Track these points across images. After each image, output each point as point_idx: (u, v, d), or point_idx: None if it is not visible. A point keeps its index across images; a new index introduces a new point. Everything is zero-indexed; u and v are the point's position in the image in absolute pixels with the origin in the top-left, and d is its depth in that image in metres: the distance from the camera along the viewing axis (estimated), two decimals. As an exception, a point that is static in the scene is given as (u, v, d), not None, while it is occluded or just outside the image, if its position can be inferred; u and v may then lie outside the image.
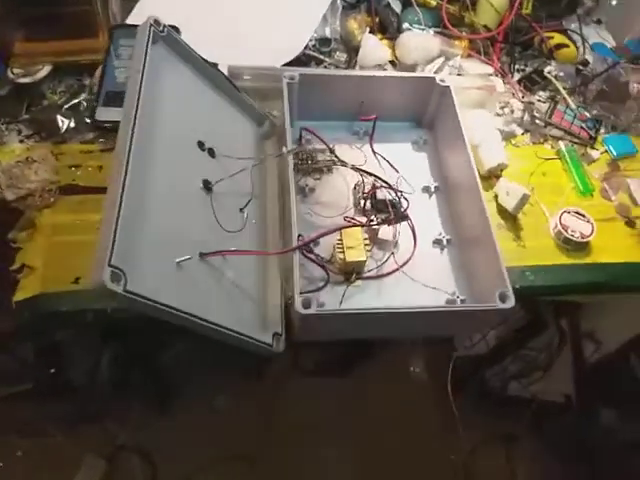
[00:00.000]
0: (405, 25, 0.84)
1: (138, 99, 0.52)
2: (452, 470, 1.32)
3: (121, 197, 0.46)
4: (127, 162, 0.48)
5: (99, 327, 0.85)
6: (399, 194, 0.68)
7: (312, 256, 0.63)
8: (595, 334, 1.40)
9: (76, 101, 0.75)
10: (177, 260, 0.51)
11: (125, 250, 0.44)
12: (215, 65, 0.66)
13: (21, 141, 0.72)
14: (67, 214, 0.67)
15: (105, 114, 0.60)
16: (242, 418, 1.33)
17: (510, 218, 0.72)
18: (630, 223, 0.75)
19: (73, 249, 0.64)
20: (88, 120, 0.72)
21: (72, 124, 0.73)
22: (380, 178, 0.67)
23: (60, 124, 0.72)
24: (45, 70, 0.75)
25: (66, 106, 0.74)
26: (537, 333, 1.09)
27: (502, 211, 0.72)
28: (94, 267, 0.43)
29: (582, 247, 0.71)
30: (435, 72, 0.81)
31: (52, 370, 1.07)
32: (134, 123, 0.50)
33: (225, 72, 0.69)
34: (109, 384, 0.99)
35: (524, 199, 0.68)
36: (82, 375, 1.06)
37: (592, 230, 0.70)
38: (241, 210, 0.64)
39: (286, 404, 1.35)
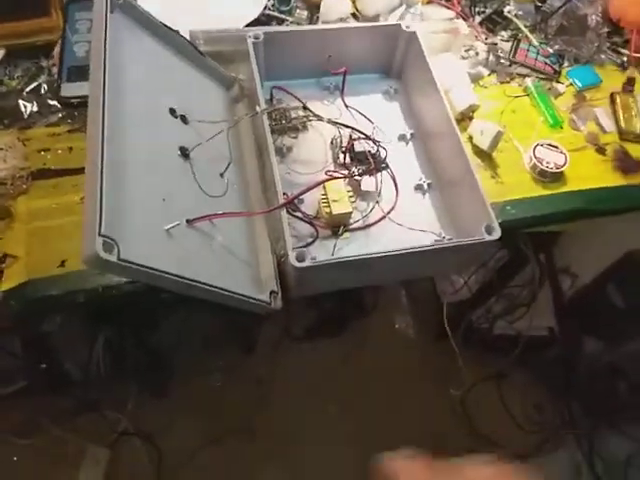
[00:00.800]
0: (363, -25, 0.83)
1: (104, 69, 0.51)
2: (450, 409, 1.36)
3: (101, 169, 0.45)
4: (102, 134, 0.47)
5: (90, 311, 0.84)
6: (377, 144, 0.68)
7: (298, 214, 0.63)
8: (570, 268, 1.46)
9: (36, 84, 0.72)
10: (166, 227, 0.51)
11: (113, 220, 0.44)
12: (176, 31, 0.64)
13: (-17, 131, 0.69)
14: (42, 199, 0.65)
15: (70, 90, 0.58)
16: (239, 392, 1.34)
17: (486, 157, 0.73)
18: (600, 150, 0.77)
19: (54, 233, 0.63)
20: (52, 102, 0.70)
21: (35, 108, 0.71)
22: (357, 130, 0.68)
23: (23, 109, 0.70)
24: (-1, 55, 0.73)
25: (26, 90, 0.71)
26: (517, 270, 1.12)
27: (478, 151, 0.73)
28: (84, 239, 0.42)
29: (558, 177, 0.72)
30: (398, 20, 0.80)
31: (43, 365, 1.06)
32: (104, 94, 0.49)
33: (187, 38, 0.67)
34: (105, 371, 0.99)
35: (498, 136, 0.70)
36: (76, 365, 1.05)
37: (565, 160, 0.72)
38: (221, 175, 0.63)
39: (281, 372, 1.37)
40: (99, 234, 0.42)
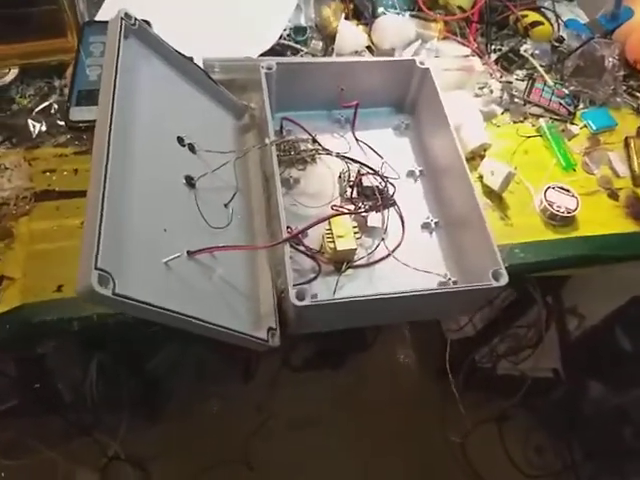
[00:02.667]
0: (380, 10, 0.83)
1: (113, 95, 0.50)
2: (450, 452, 1.33)
3: (102, 198, 0.44)
4: (106, 161, 0.46)
5: (85, 336, 0.83)
6: (385, 180, 0.67)
7: (302, 248, 0.62)
8: (577, 308, 1.43)
9: (46, 104, 0.72)
10: (165, 260, 0.50)
11: (111, 252, 0.43)
12: (190, 58, 0.64)
13: (-8, 149, 0.69)
14: (44, 221, 0.64)
15: (79, 114, 0.58)
16: (236, 420, 1.32)
17: (496, 197, 0.72)
18: (613, 195, 0.75)
19: (53, 257, 0.62)
20: (61, 122, 0.70)
21: (44, 128, 0.70)
22: (365, 165, 0.67)
23: (31, 128, 0.70)
24: (12, 74, 0.73)
25: (36, 109, 0.71)
26: (524, 311, 1.10)
27: (487, 191, 0.72)
28: (80, 271, 0.41)
29: (568, 222, 0.71)
30: (412, 55, 0.80)
31: (37, 385, 1.04)
32: (111, 120, 0.49)
33: (200, 65, 0.67)
34: (97, 395, 0.97)
35: (509, 177, 0.68)
36: (69, 387, 1.03)
37: (577, 204, 0.70)
38: (226, 205, 0.62)
39: (279, 403, 1.34)
40: (95, 267, 0.41)
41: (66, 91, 0.72)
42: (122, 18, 0.55)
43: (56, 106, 0.72)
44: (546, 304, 1.07)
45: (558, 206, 0.70)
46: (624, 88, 0.87)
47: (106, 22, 0.56)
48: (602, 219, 0.73)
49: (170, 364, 1.20)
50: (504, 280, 0.55)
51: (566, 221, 0.71)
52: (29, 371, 0.98)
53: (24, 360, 0.94)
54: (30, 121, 0.70)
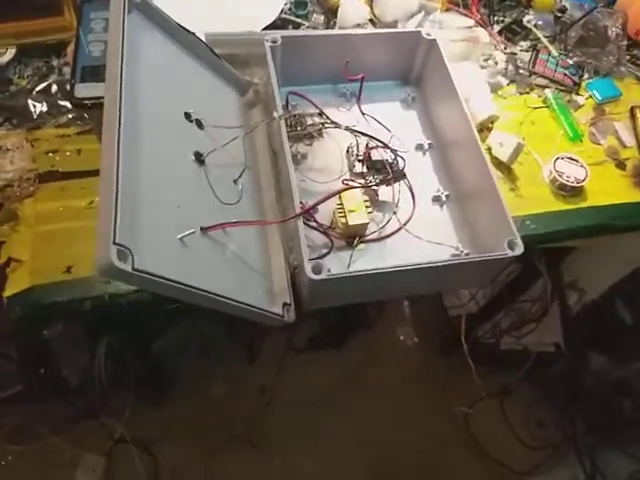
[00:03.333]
0: (382, -19, 0.81)
1: (121, 72, 0.49)
2: (454, 426, 1.34)
3: (117, 174, 0.43)
4: (118, 138, 0.45)
5: (95, 318, 0.82)
6: (395, 153, 0.66)
7: (313, 223, 0.62)
8: (577, 283, 1.44)
9: (46, 84, 0.70)
10: (180, 236, 0.49)
11: (128, 228, 0.42)
12: (193, 33, 0.62)
13: (-9, 130, 0.68)
14: (49, 202, 0.63)
15: (85, 90, 0.56)
16: (240, 401, 1.32)
17: (505, 169, 0.72)
18: (621, 165, 0.75)
19: (60, 237, 0.61)
20: (62, 102, 0.68)
21: (44, 108, 0.69)
22: (375, 138, 0.66)
23: (32, 109, 0.68)
24: (9, 54, 0.71)
25: (36, 89, 0.70)
26: (529, 285, 1.11)
27: (496, 163, 0.72)
28: (98, 247, 0.40)
29: (577, 192, 0.71)
30: (416, 28, 0.79)
31: (42, 370, 1.04)
32: (120, 96, 0.47)
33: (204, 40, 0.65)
34: (107, 377, 0.96)
35: (518, 148, 0.68)
36: (75, 372, 1.02)
37: (586, 174, 0.70)
38: (235, 181, 0.61)
39: (283, 383, 1.34)
40: (114, 242, 0.40)
41: (65, 70, 0.70)
42: (125, -9, 0.54)
43: (56, 86, 0.70)
44: (551, 277, 1.07)
45: (567, 176, 0.70)
46: (628, 58, 0.86)
47: (106, -3, 0.55)
48: (610, 189, 0.73)
49: (175, 346, 1.20)
50: (519, 249, 0.55)
51: (575, 191, 0.71)
52: (33, 356, 0.97)
53: (28, 345, 0.93)
54: (30, 101, 0.69)
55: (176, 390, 1.30)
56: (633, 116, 0.80)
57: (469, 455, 1.34)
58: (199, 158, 0.57)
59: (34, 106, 0.68)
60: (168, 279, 0.43)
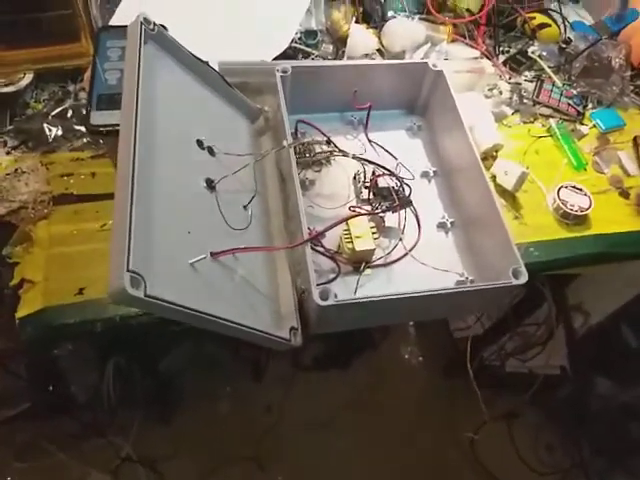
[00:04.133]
0: (390, 13, 0.84)
1: (137, 99, 0.51)
2: (460, 450, 1.33)
3: (131, 200, 0.45)
4: (133, 164, 0.47)
5: (104, 339, 0.83)
6: (401, 180, 0.68)
7: (320, 248, 0.63)
8: (582, 306, 1.44)
9: (62, 108, 0.73)
10: (190, 261, 0.50)
11: (141, 254, 0.43)
12: (207, 62, 0.64)
13: (8, 153, 0.70)
14: (63, 224, 0.65)
15: (100, 118, 0.58)
16: (246, 420, 1.32)
17: (509, 197, 0.73)
18: (624, 193, 0.76)
19: (73, 260, 0.62)
20: (77, 127, 0.70)
21: (60, 132, 0.71)
22: (381, 166, 0.67)
23: (47, 133, 0.70)
24: (27, 78, 0.73)
25: (52, 114, 0.72)
26: (533, 309, 1.11)
27: (501, 191, 0.73)
28: (111, 274, 0.42)
29: (581, 220, 0.72)
30: (423, 58, 0.81)
31: (50, 388, 1.04)
32: (136, 125, 0.49)
33: (216, 69, 0.67)
34: (116, 395, 0.97)
35: (523, 177, 0.69)
36: (83, 389, 1.03)
37: (590, 203, 0.71)
38: (244, 207, 0.63)
39: (289, 402, 1.35)
40: (127, 270, 0.41)
41: (81, 95, 0.73)
42: (141, 22, 0.56)
43: (71, 111, 0.73)
44: (555, 301, 1.07)
45: (571, 205, 0.71)
46: (631, 88, 0.88)
47: (122, 27, 0.57)
48: (614, 217, 0.74)
49: (182, 364, 1.21)
50: (524, 278, 0.56)
51: (579, 219, 0.72)
52: (42, 374, 0.98)
53: (37, 363, 0.94)
54: (46, 125, 0.71)
55: (183, 408, 1.31)
56: (636, 145, 0.82)
57: (477, 479, 1.33)
58: (210, 185, 0.58)
59: (49, 130, 0.70)
60: (179, 305, 0.44)
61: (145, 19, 0.57)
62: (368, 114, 0.73)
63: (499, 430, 1.35)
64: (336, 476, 1.29)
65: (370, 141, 0.74)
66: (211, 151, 0.61)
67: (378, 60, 0.80)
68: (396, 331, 1.52)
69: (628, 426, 1.38)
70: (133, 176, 0.46)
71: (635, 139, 0.82)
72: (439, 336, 1.47)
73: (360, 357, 1.44)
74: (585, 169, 0.78)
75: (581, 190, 0.72)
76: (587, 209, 0.71)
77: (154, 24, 0.58)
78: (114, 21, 0.75)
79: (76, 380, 1.00)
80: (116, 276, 0.41)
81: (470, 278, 0.64)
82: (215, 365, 1.29)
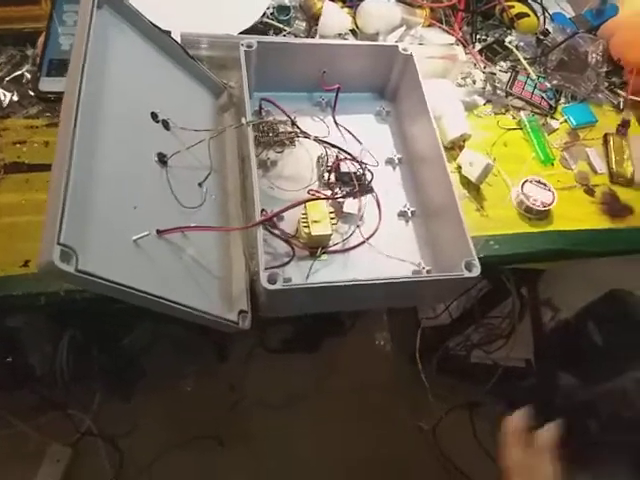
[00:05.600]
0: (366, -8, 0.81)
1: (83, 67, 0.48)
2: (422, 437, 1.34)
3: (68, 171, 0.43)
4: (73, 133, 0.45)
5: (54, 311, 0.81)
6: (363, 166, 0.66)
7: (276, 231, 0.62)
8: (552, 300, 1.45)
9: (18, 73, 0.69)
10: (134, 238, 0.49)
11: (75, 228, 0.42)
12: (168, 32, 0.62)
13: (-41, 118, 0.67)
14: (13, 193, 0.62)
15: (49, 85, 0.56)
16: (208, 400, 1.32)
17: (473, 188, 0.72)
18: (590, 191, 0.76)
19: (20, 230, 0.60)
20: (32, 93, 0.67)
21: (15, 98, 0.68)
22: (344, 150, 0.66)
23: (2, 98, 0.67)
24: (-18, 41, 0.70)
25: (7, 78, 0.69)
26: (499, 302, 1.11)
27: (465, 182, 0.72)
28: (42, 246, 0.40)
29: (544, 215, 0.71)
30: (397, 41, 0.79)
31: (8, 359, 1.03)
32: (79, 92, 0.47)
33: (178, 40, 0.65)
34: (68, 371, 0.96)
35: (487, 169, 0.68)
36: (42, 362, 1.02)
37: (553, 198, 0.71)
38: (200, 185, 0.61)
39: (253, 382, 1.34)
40: (57, 242, 0.40)
41: (39, 61, 0.69)
42: (96, -14, 0.53)
43: (28, 76, 0.70)
44: (520, 296, 1.08)
45: (534, 200, 0.70)
46: (606, 85, 0.87)
47: (80, -10, 0.54)
48: (577, 214, 0.73)
49: (145, 342, 1.19)
50: (476, 271, 0.56)
51: (542, 215, 0.71)
52: (0, 345, 0.96)
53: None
54: (0, 90, 0.68)
55: (145, 386, 1.29)
56: (606, 143, 0.81)
57: (435, 466, 1.35)
58: (162, 159, 0.57)
59: (4, 95, 0.68)
60: (114, 282, 0.43)
61: (101, -17, 0.54)
62: (336, 96, 0.72)
63: (461, 418, 1.36)
64: (296, 457, 1.29)
65: (337, 124, 0.72)
66: (166, 125, 0.59)
67: (348, 41, 0.78)
68: (367, 317, 1.52)
69: (587, 422, 1.40)
70: (72, 144, 0.44)
71: (605, 136, 0.81)
72: (409, 324, 1.47)
73: (328, 342, 1.44)
74: (552, 164, 0.77)
75: (545, 185, 0.72)
76: (550, 205, 0.70)
77: (110, -12, 0.55)
78: (75, -16, 0.72)
79: (33, 352, 0.99)
80: (46, 249, 0.40)
81: (427, 268, 0.64)
82: (180, 344, 1.28)
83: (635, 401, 1.42)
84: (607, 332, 1.32)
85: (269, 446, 1.30)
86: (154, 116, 0.58)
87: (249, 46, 0.65)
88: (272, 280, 0.52)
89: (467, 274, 0.56)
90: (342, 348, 1.46)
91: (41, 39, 0.63)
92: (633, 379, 1.41)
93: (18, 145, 0.66)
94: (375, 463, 1.32)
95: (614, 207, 0.75)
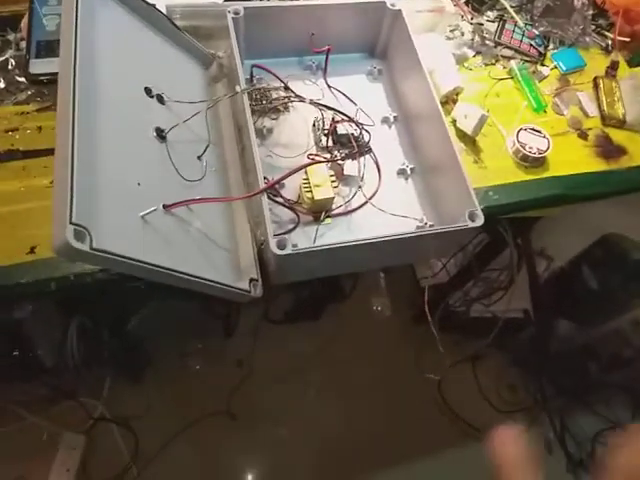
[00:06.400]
0: (347, -51, 0.80)
1: (75, 46, 0.48)
2: (427, 391, 1.38)
3: (72, 151, 0.43)
4: (73, 114, 0.44)
5: (63, 297, 0.81)
6: (360, 127, 0.66)
7: (279, 199, 0.62)
8: (546, 250, 1.48)
9: (2, 59, 0.68)
10: (141, 214, 0.49)
11: (85, 207, 0.42)
12: (152, 5, 0.61)
13: (-54, 108, 0.65)
14: (10, 182, 0.62)
15: (39, 66, 0.55)
16: (218, 375, 1.34)
17: (469, 141, 0.72)
18: (583, 135, 0.77)
19: (22, 218, 0.60)
20: (20, 78, 0.66)
21: (2, 85, 0.67)
22: (340, 112, 0.66)
23: (-12, 85, 0.66)
24: (-39, 26, 0.68)
25: (-8, 65, 0.67)
26: (496, 255, 1.13)
27: (461, 135, 0.72)
28: (55, 228, 0.40)
29: (540, 162, 0.72)
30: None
31: (15, 352, 1.03)
32: (75, 72, 0.46)
33: (164, 12, 0.64)
34: (78, 358, 0.96)
35: (482, 120, 0.68)
36: (50, 352, 1.02)
37: (548, 145, 0.71)
38: (199, 158, 0.61)
39: (260, 355, 1.36)
40: (70, 222, 0.40)
41: (23, 45, 0.68)
42: (77, -39, 0.52)
43: (13, 61, 0.68)
44: (517, 246, 1.09)
45: (530, 147, 0.71)
46: (593, 27, 0.87)
47: (61, -34, 0.53)
48: (572, 159, 0.74)
49: (150, 323, 1.20)
50: (480, 220, 0.56)
51: (538, 162, 0.72)
52: (6, 337, 0.96)
53: (1, 327, 0.92)
54: (-14, 78, 0.67)
55: (154, 366, 1.31)
56: (596, 86, 0.81)
57: (441, 419, 1.39)
58: (160, 134, 0.56)
59: (-10, 82, 0.66)
60: (129, 258, 0.43)
61: (82, -43, 0.53)
62: (327, 58, 0.71)
63: (464, 372, 1.39)
64: (307, 425, 1.32)
65: (329, 86, 0.72)
66: (160, 99, 0.59)
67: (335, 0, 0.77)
68: (365, 281, 1.54)
69: (587, 365, 1.44)
70: (73, 127, 0.44)
71: (595, 79, 0.82)
72: (407, 285, 1.49)
73: (330, 308, 1.46)
74: (545, 111, 0.78)
75: (540, 132, 0.72)
76: (545, 151, 0.71)
77: (92, -37, 0.54)
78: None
79: (42, 343, 0.99)
80: (59, 229, 0.40)
81: (430, 223, 0.64)
82: (185, 322, 1.29)
83: (633, 341, 1.47)
84: (602, 276, 1.36)
85: (281, 417, 1.32)
86: (148, 91, 0.57)
87: (236, 13, 0.64)
88: (281, 246, 0.52)
89: (471, 224, 0.57)
90: (344, 314, 1.48)
91: (24, 21, 0.61)
92: (630, 320, 1.46)
93: (10, 133, 0.65)
94: (381, 419, 1.36)
95: (608, 149, 0.76)
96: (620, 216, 1.32)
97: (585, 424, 1.43)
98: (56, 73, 0.48)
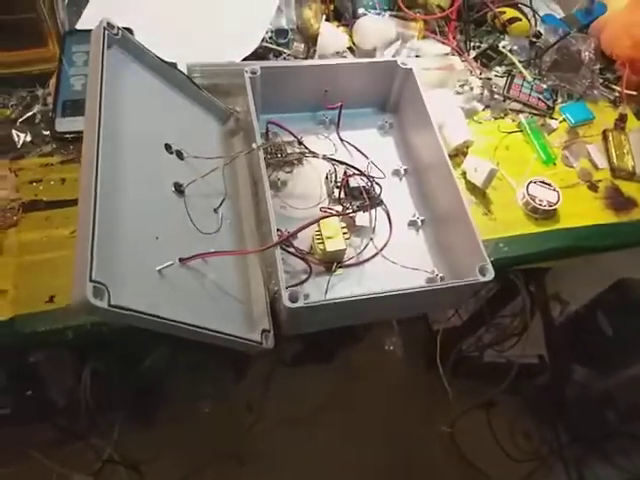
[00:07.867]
0: (360, 10, 0.83)
1: (100, 107, 0.50)
2: (439, 440, 1.35)
3: (94, 209, 0.45)
4: (96, 172, 0.46)
5: (79, 345, 0.83)
6: (371, 180, 0.68)
7: (292, 249, 0.63)
8: (561, 294, 1.46)
9: (30, 114, 0.71)
10: (158, 268, 0.50)
11: (105, 263, 0.43)
12: (174, 65, 0.64)
13: (-25, 160, 0.68)
14: (33, 232, 0.64)
15: (65, 125, 0.58)
16: (228, 419, 1.33)
17: (479, 193, 0.73)
18: (593, 187, 0.78)
19: (43, 267, 0.61)
20: (45, 132, 0.69)
21: (28, 138, 0.70)
22: (351, 166, 0.68)
23: (16, 139, 0.69)
24: (-7, 84, 0.72)
25: (20, 120, 0.71)
26: (508, 301, 1.12)
27: (471, 188, 0.73)
28: (74, 284, 0.42)
29: (550, 215, 0.73)
30: (394, 55, 0.81)
31: (29, 392, 1.04)
32: (99, 132, 0.49)
33: (184, 71, 0.67)
34: (91, 401, 0.97)
35: (492, 173, 0.70)
36: (63, 394, 1.03)
37: (558, 197, 0.72)
38: (215, 210, 0.63)
39: (270, 399, 1.35)
40: (90, 280, 0.41)
41: (49, 100, 0.71)
42: (105, 28, 0.55)
43: (40, 116, 0.71)
44: (529, 293, 1.09)
45: (540, 200, 0.72)
46: (601, 81, 0.89)
47: (88, 31, 0.56)
48: (583, 211, 0.75)
49: (162, 367, 1.20)
50: (490, 275, 0.57)
51: (548, 214, 0.73)
52: (21, 379, 0.97)
53: (15, 368, 0.93)
54: (14, 131, 0.70)
55: (164, 410, 1.30)
56: (605, 138, 0.83)
57: (456, 468, 1.35)
58: (179, 189, 0.58)
59: (18, 136, 0.69)
60: (144, 313, 0.44)
61: (108, 24, 0.56)
62: (339, 113, 0.74)
63: (478, 419, 1.37)
64: (318, 472, 1.30)
65: (342, 140, 0.74)
66: (180, 155, 0.61)
67: (348, 59, 0.80)
68: (378, 326, 1.53)
69: (604, 412, 1.41)
70: (96, 182, 0.46)
71: (604, 132, 0.83)
72: (420, 329, 1.48)
73: (342, 353, 1.45)
74: (554, 163, 0.79)
75: (550, 185, 0.73)
76: (555, 204, 0.72)
77: (118, 28, 0.57)
78: (81, 25, 0.74)
79: (55, 385, 0.99)
80: (79, 287, 0.41)
81: (440, 275, 0.65)
82: (197, 366, 1.29)
83: (653, 389, 1.42)
84: (617, 322, 1.34)
85: (289, 462, 1.30)
86: (168, 147, 0.60)
87: (253, 72, 0.67)
88: (293, 298, 0.53)
89: (482, 279, 0.57)
90: (356, 358, 1.47)
91: (52, 81, 0.65)
92: (648, 367, 1.42)
93: (35, 184, 0.67)
94: (396, 468, 1.33)
95: (618, 201, 0.77)
96: (635, 261, 1.32)
97: (603, 475, 1.38)
98: (81, 131, 0.50)
